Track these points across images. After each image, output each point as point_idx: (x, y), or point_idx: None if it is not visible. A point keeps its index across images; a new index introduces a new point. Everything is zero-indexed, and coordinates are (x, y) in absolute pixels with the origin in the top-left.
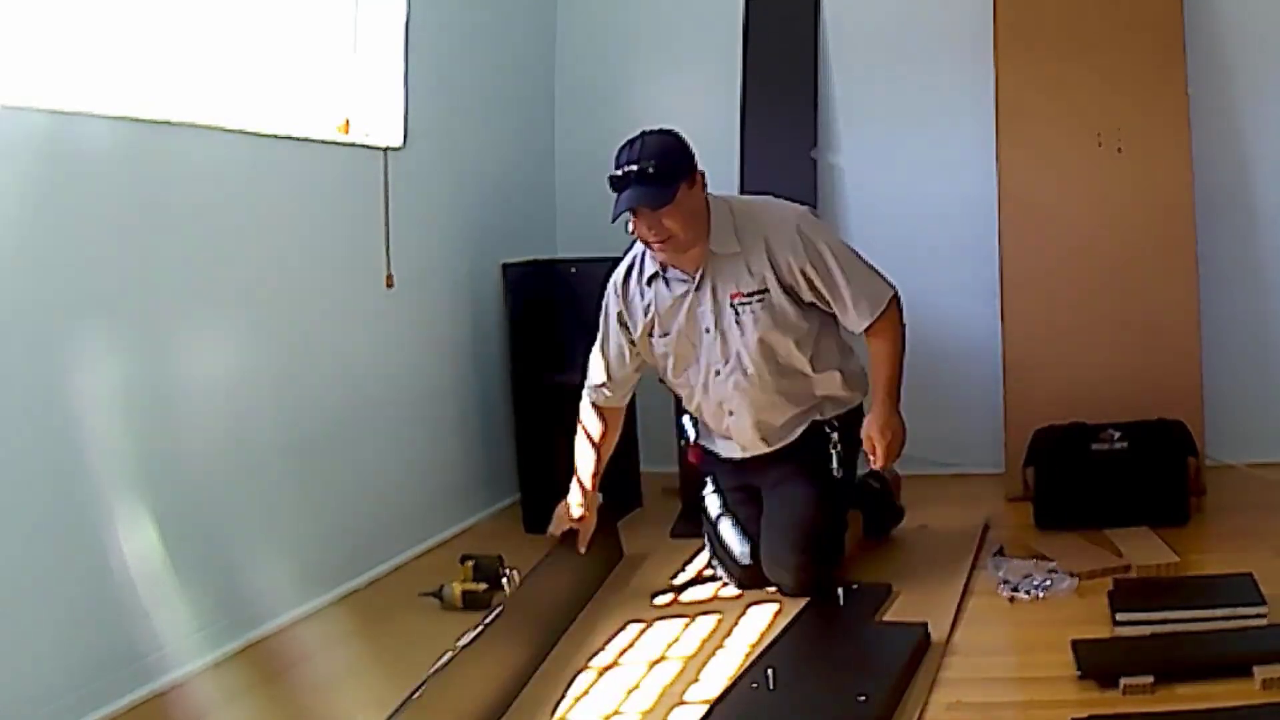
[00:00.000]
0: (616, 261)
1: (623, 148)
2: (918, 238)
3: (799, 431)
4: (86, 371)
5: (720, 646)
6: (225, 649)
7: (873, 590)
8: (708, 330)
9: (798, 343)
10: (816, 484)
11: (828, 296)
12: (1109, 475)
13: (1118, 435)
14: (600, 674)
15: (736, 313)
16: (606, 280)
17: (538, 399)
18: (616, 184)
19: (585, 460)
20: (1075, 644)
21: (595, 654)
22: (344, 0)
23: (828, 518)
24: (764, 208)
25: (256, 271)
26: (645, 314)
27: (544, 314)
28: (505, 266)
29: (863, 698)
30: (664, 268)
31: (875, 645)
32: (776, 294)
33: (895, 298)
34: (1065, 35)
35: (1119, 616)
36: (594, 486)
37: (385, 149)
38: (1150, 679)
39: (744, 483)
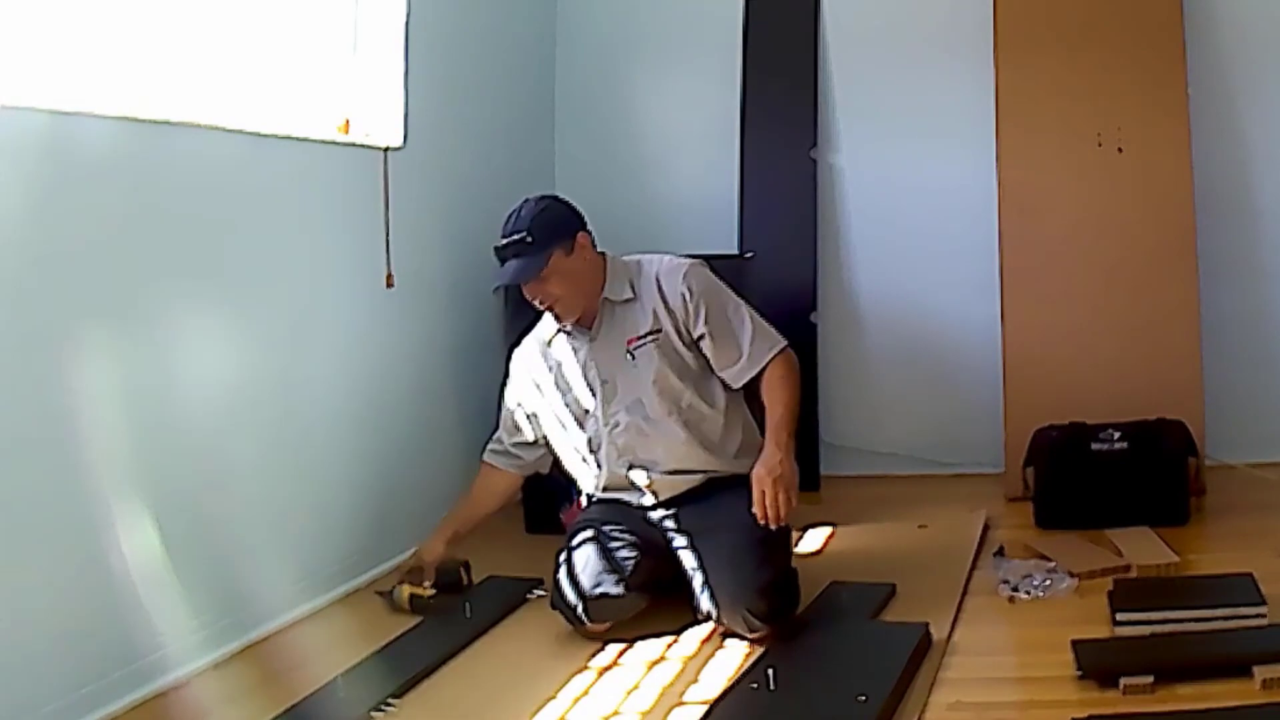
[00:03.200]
0: None
1: (506, 218)
2: (917, 237)
3: (718, 474)
4: (86, 371)
5: (721, 647)
6: (225, 649)
7: (874, 590)
8: (605, 382)
9: (695, 385)
10: (761, 527)
11: (716, 336)
12: (1109, 475)
13: (1118, 435)
14: (600, 674)
15: (633, 356)
16: None
17: None
18: (498, 254)
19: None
20: (1075, 644)
21: (595, 654)
22: (344, 0)
23: (787, 555)
24: (659, 258)
25: (256, 271)
26: (550, 375)
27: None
28: None
29: (863, 698)
30: (562, 325)
31: (875, 645)
32: (669, 333)
33: (788, 348)
34: (1065, 35)
35: (1119, 616)
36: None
37: (385, 149)
38: (1150, 679)
39: (641, 530)
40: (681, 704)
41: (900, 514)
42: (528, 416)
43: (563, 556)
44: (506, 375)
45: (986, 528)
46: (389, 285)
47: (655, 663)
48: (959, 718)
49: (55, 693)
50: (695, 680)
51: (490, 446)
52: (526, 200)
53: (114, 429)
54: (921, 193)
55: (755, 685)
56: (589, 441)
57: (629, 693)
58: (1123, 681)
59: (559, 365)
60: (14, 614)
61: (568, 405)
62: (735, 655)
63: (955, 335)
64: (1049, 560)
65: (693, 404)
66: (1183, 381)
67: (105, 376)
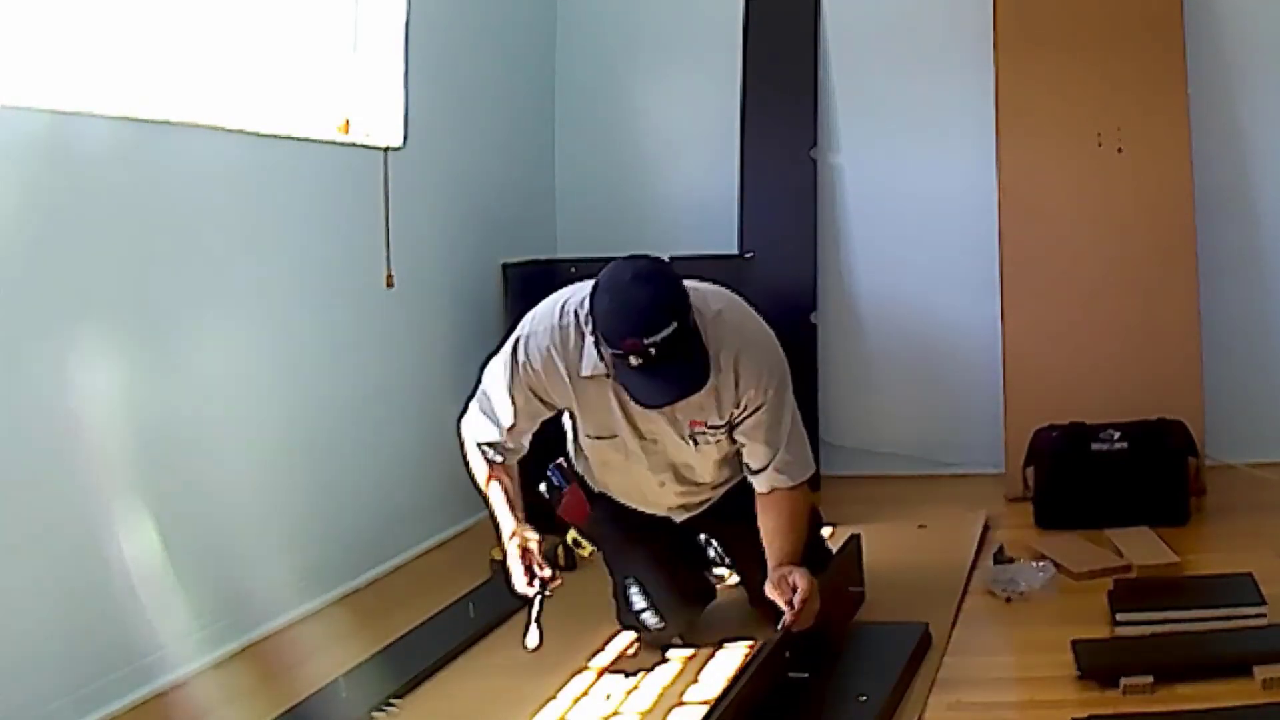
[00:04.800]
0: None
1: (626, 314)
2: (918, 237)
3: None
4: (86, 371)
5: (720, 647)
6: (225, 649)
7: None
8: (654, 441)
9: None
10: None
11: (756, 440)
12: (1109, 475)
13: (1118, 435)
14: (600, 674)
15: (694, 441)
16: None
17: None
18: (641, 357)
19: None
20: (1075, 644)
21: (594, 654)
22: (344, 0)
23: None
24: (738, 326)
25: (256, 271)
26: (561, 404)
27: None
28: (505, 266)
29: (863, 697)
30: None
31: (875, 645)
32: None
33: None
34: (1065, 35)
35: (1119, 616)
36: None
37: (385, 149)
38: (1150, 679)
39: (673, 532)
40: (681, 704)
41: (900, 514)
42: (544, 406)
43: (630, 584)
44: (513, 369)
45: (986, 528)
46: (389, 285)
47: (656, 663)
48: (959, 717)
49: (56, 692)
50: (695, 680)
51: (479, 452)
52: (634, 277)
53: (114, 429)
54: (921, 193)
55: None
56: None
57: (629, 693)
58: (1123, 681)
59: (582, 404)
60: (14, 613)
61: (590, 445)
62: (735, 656)
63: (955, 335)
64: (1049, 560)
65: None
66: (1182, 381)
67: (106, 376)
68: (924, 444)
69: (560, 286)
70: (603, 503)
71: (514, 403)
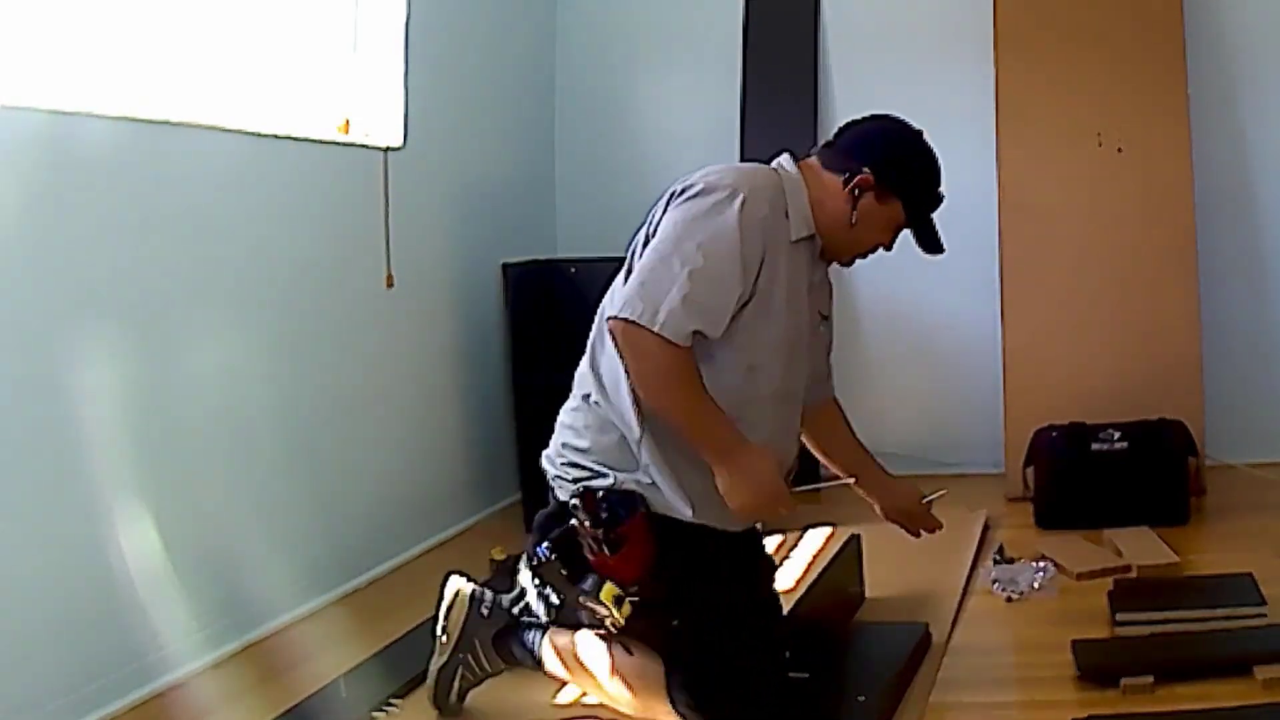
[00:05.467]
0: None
1: (937, 165)
2: None
3: None
4: (86, 371)
5: None
6: (225, 649)
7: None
8: (797, 341)
9: None
10: None
11: (827, 346)
12: (1109, 475)
13: (1118, 435)
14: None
15: (822, 327)
16: (608, 279)
17: (538, 398)
18: (936, 206)
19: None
20: (1075, 644)
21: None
22: (344, 0)
23: None
24: None
25: (256, 271)
26: (761, 275)
27: (545, 313)
28: (505, 266)
29: (863, 698)
30: (818, 239)
31: (875, 645)
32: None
33: None
34: (1065, 34)
35: (1119, 616)
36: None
37: (385, 149)
38: (1150, 679)
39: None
40: None
41: None
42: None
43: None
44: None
45: (986, 528)
46: (389, 285)
47: None
48: (959, 718)
49: (55, 691)
50: None
51: (677, 358)
52: (917, 130)
53: (114, 428)
54: None
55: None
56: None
57: None
58: (1123, 682)
59: (781, 279)
60: (14, 613)
61: (763, 330)
62: None
63: (955, 335)
64: (1049, 560)
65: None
66: (1183, 381)
67: (106, 375)
68: (924, 444)
69: (560, 287)
70: (673, 537)
71: (743, 266)
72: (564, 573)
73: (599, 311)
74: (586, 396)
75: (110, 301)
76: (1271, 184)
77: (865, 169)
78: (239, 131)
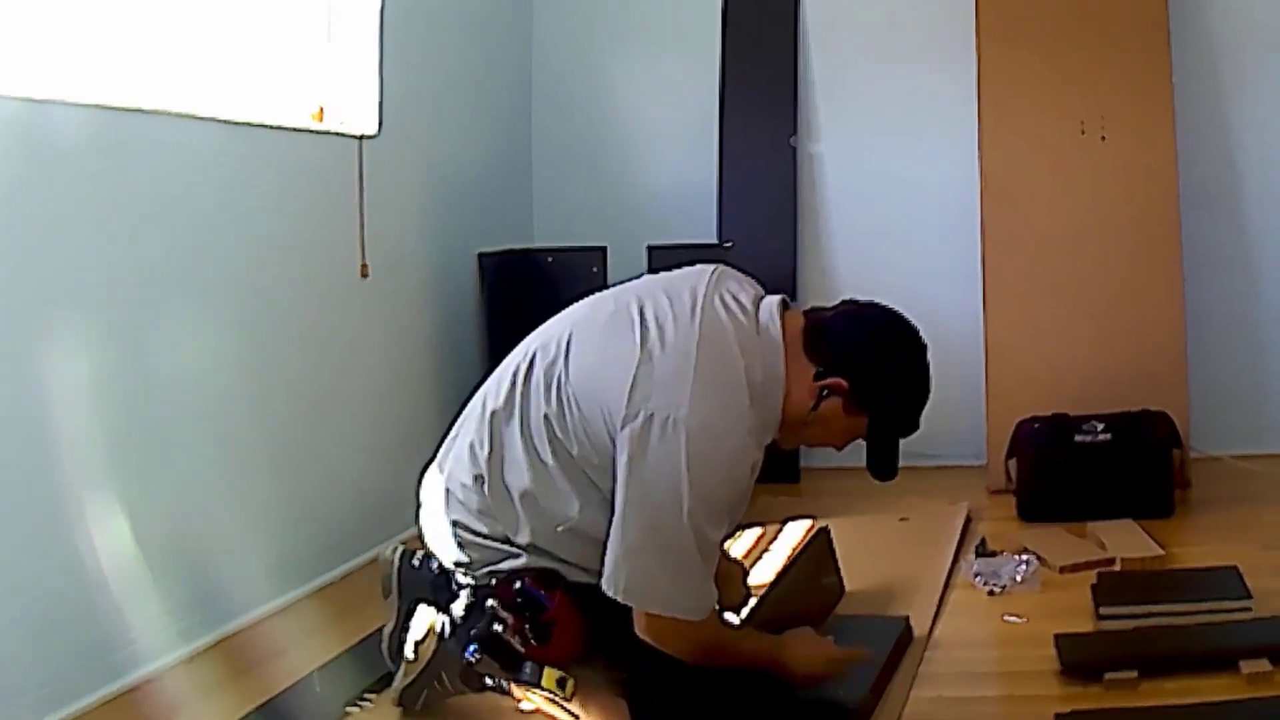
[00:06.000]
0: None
1: (930, 385)
2: (898, 226)
3: None
4: (55, 362)
5: None
6: (198, 643)
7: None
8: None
9: None
10: None
11: None
12: (1092, 467)
13: (1101, 427)
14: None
15: None
16: (585, 269)
17: None
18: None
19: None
20: (1058, 638)
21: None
22: None
23: None
24: None
25: (229, 261)
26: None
27: (521, 303)
28: (481, 256)
29: (843, 692)
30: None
31: (856, 639)
32: None
33: None
34: (1049, 22)
35: (1102, 610)
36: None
37: (360, 137)
38: (1134, 673)
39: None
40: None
41: (881, 506)
42: None
43: None
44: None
45: (969, 520)
46: (364, 275)
47: None
48: (940, 712)
49: (26, 686)
50: None
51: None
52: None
53: (86, 419)
54: (902, 181)
55: None
56: None
57: None
58: (1106, 676)
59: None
60: None
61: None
62: None
63: (936, 326)
64: (1032, 553)
65: None
66: (1167, 372)
67: (76, 366)
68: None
69: (537, 277)
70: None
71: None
72: (498, 666)
73: (483, 399)
74: (479, 480)
75: (81, 292)
76: (1257, 172)
77: (843, 377)
78: (212, 119)
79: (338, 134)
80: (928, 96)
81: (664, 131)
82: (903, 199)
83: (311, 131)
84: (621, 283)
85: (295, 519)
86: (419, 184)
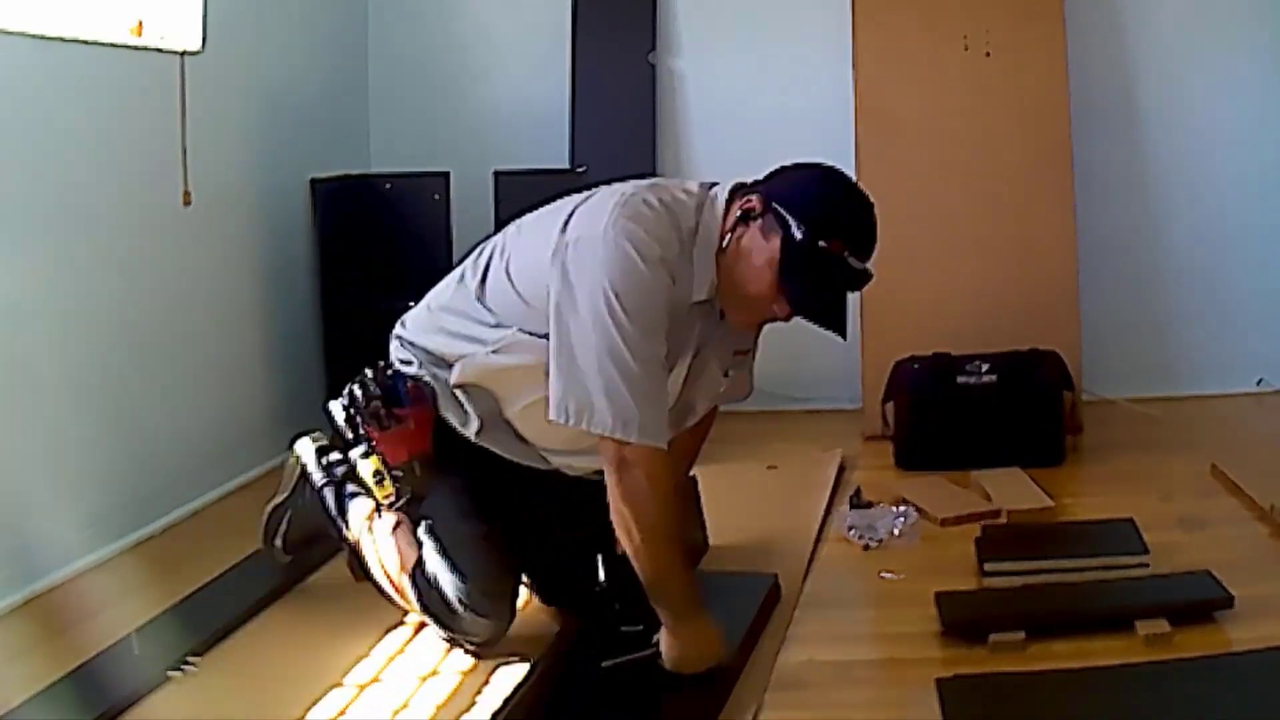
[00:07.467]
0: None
1: (869, 228)
2: (765, 151)
3: None
4: None
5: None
6: (5, 602)
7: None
8: (689, 380)
9: None
10: None
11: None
12: (976, 411)
13: (986, 367)
14: (417, 630)
15: (728, 373)
16: (426, 197)
17: (350, 326)
18: (841, 275)
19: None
20: (939, 596)
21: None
22: None
23: None
24: None
25: (39, 187)
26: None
27: (357, 233)
28: (314, 182)
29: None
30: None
31: (719, 598)
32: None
33: None
34: None
35: (987, 566)
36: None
37: (181, 53)
38: (1021, 635)
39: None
40: (506, 662)
41: (747, 453)
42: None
43: (461, 560)
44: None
45: (842, 469)
46: (186, 203)
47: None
48: (811, 676)
49: None
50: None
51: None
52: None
53: None
54: (770, 101)
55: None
56: None
57: (449, 650)
58: (991, 637)
59: (683, 332)
60: None
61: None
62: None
63: None
64: (910, 504)
65: None
66: (1057, 308)
67: None
68: (772, 377)
69: (374, 204)
70: (465, 450)
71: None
72: (350, 426)
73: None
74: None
75: None
76: (1154, 91)
77: (757, 192)
78: (19, 34)
79: (158, 50)
80: (798, 9)
81: (511, 47)
82: (770, 121)
83: (129, 47)
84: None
85: (112, 467)
86: (246, 104)
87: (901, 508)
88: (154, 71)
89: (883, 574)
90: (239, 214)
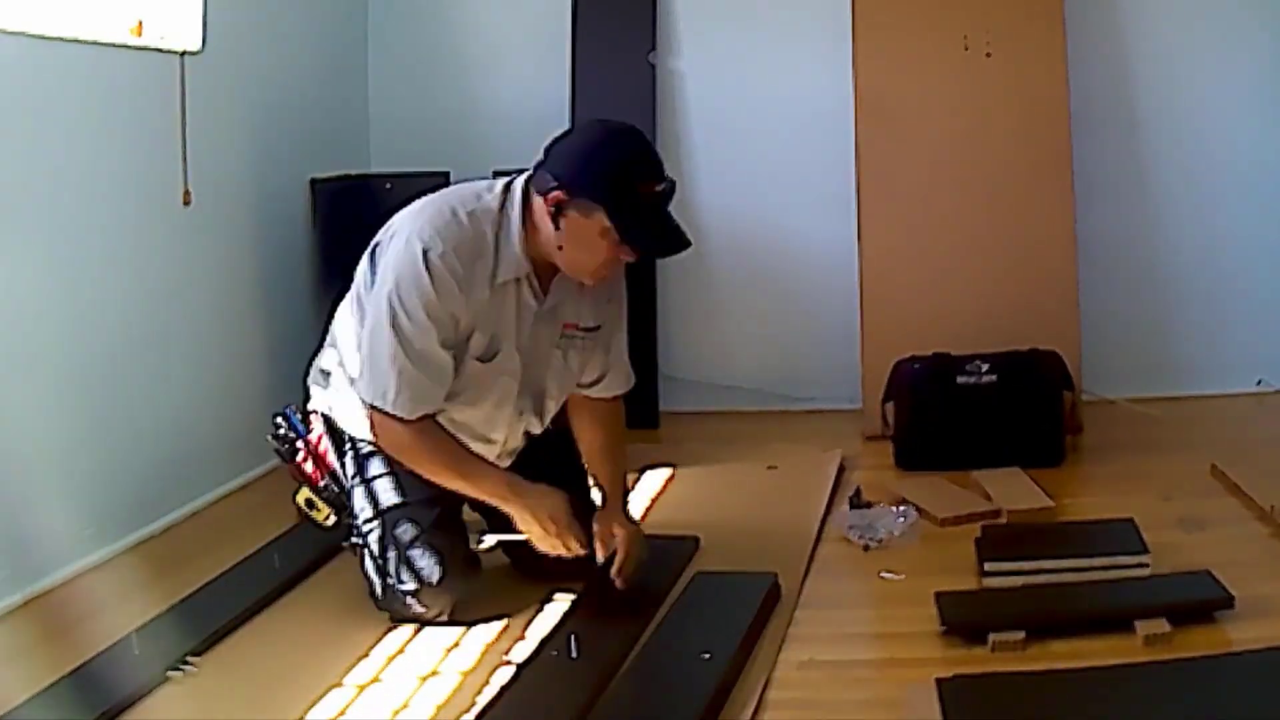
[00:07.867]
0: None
1: (645, 157)
2: (766, 151)
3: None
4: None
5: (550, 600)
6: (4, 603)
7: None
8: (525, 365)
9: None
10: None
11: (605, 349)
12: (976, 411)
13: (986, 367)
14: (417, 631)
15: (563, 351)
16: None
17: None
18: (664, 200)
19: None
20: (939, 596)
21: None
22: None
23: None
24: None
25: (40, 186)
26: (464, 330)
27: (356, 233)
28: (314, 182)
29: (707, 655)
30: (531, 278)
31: (720, 599)
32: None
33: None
34: None
35: (987, 566)
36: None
37: (182, 53)
38: (1021, 635)
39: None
40: (505, 663)
41: (747, 454)
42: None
43: (412, 544)
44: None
45: (842, 469)
46: (186, 203)
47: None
48: (811, 676)
49: None
50: (521, 637)
51: (425, 411)
52: (616, 126)
53: None
54: (770, 101)
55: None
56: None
57: (448, 650)
58: (991, 637)
59: (489, 317)
60: None
61: (470, 352)
62: (561, 610)
63: (807, 257)
64: (910, 505)
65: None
66: (1057, 308)
67: None
68: (773, 377)
69: (374, 205)
70: (375, 459)
71: (442, 341)
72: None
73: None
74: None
75: None
76: (1153, 92)
77: (558, 186)
78: (21, 33)
79: (158, 50)
80: (798, 9)
81: (511, 47)
82: (771, 121)
83: (130, 47)
84: None
85: (112, 467)
86: (246, 104)
87: (901, 508)
88: (154, 71)
89: (883, 574)
90: (239, 214)
